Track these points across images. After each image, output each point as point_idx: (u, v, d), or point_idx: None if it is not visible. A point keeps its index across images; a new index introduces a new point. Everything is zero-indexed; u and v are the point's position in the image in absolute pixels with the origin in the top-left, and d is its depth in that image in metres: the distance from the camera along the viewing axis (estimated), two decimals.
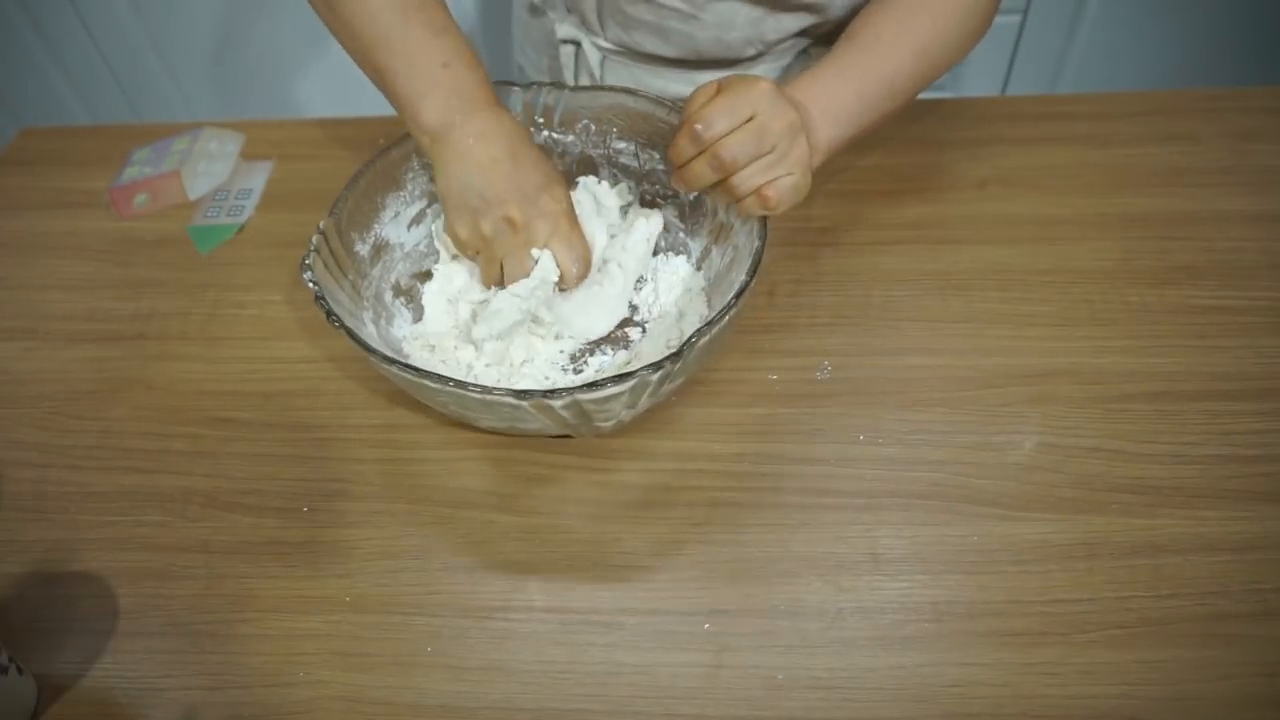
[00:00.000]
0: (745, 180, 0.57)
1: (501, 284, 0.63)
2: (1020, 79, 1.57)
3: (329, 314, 0.55)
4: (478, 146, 0.59)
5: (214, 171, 0.83)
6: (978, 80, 1.56)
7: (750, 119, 0.56)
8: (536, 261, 0.61)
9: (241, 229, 0.79)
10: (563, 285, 0.63)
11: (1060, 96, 0.91)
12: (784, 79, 0.83)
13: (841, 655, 0.52)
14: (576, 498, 0.59)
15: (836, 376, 0.64)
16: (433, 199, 0.69)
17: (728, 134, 0.56)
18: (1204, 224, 0.72)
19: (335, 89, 1.62)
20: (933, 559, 0.55)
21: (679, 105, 0.64)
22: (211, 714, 0.51)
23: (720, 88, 0.57)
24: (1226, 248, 0.70)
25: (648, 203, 0.70)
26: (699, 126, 0.56)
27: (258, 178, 0.83)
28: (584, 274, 0.63)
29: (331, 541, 0.58)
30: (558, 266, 0.62)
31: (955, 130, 0.81)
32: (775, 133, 0.56)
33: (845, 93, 0.62)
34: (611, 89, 0.68)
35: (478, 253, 0.64)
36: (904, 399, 0.62)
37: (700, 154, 0.57)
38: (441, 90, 0.59)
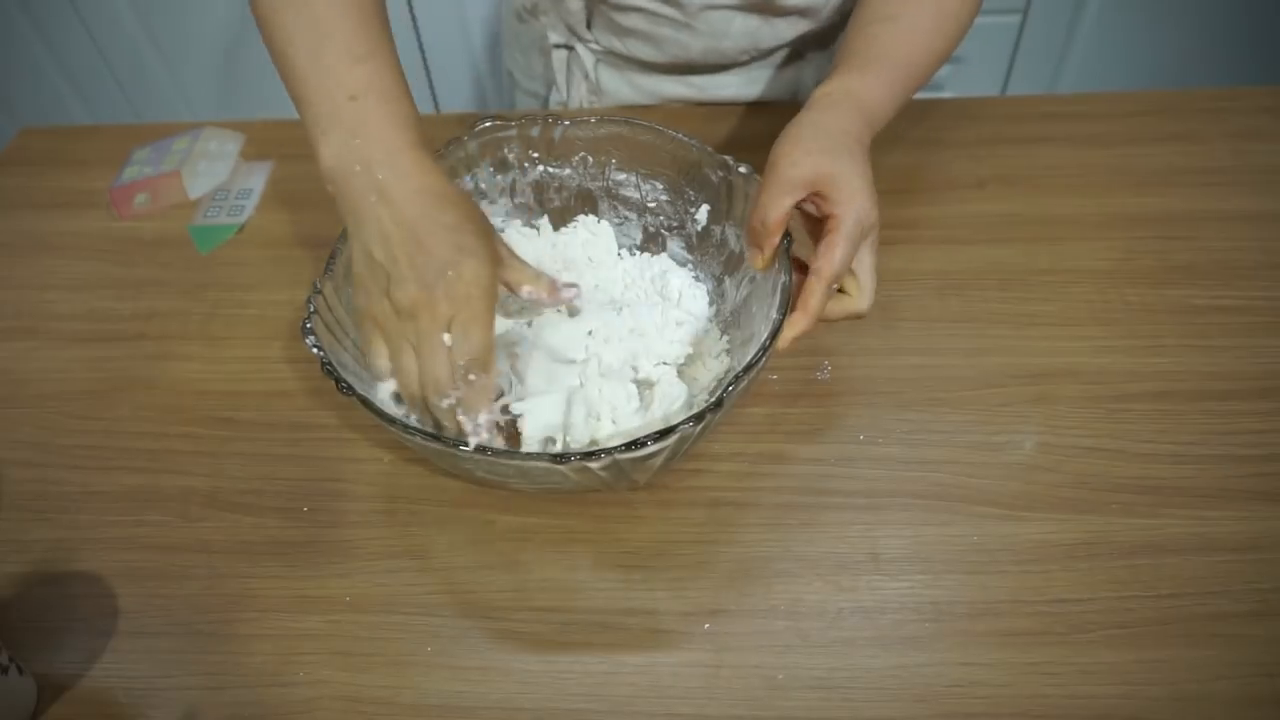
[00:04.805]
0: None
1: (414, 383, 0.52)
2: (1020, 79, 1.57)
3: (339, 382, 0.50)
4: (378, 206, 0.50)
5: (214, 171, 0.83)
6: (978, 80, 1.56)
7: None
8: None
9: (241, 229, 0.79)
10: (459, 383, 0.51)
11: (1060, 96, 0.91)
12: (779, 77, 0.83)
13: (841, 655, 0.52)
14: (576, 498, 0.59)
15: (836, 376, 0.64)
16: None
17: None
18: (1204, 224, 0.72)
19: None
20: (933, 559, 0.55)
21: (683, 135, 0.62)
22: (211, 714, 0.51)
23: (837, 229, 0.53)
24: (1226, 248, 0.70)
25: (650, 235, 0.68)
26: (831, 280, 0.53)
27: (258, 178, 0.83)
28: (477, 369, 0.50)
29: (331, 541, 0.58)
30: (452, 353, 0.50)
31: (955, 130, 0.81)
32: (872, 226, 0.55)
33: (887, 95, 0.60)
34: (611, 120, 0.65)
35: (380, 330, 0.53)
36: (904, 399, 0.62)
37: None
38: (342, 129, 0.51)
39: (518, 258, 0.56)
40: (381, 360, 0.53)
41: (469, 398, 0.51)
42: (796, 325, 0.53)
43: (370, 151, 0.50)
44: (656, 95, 0.85)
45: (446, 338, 0.50)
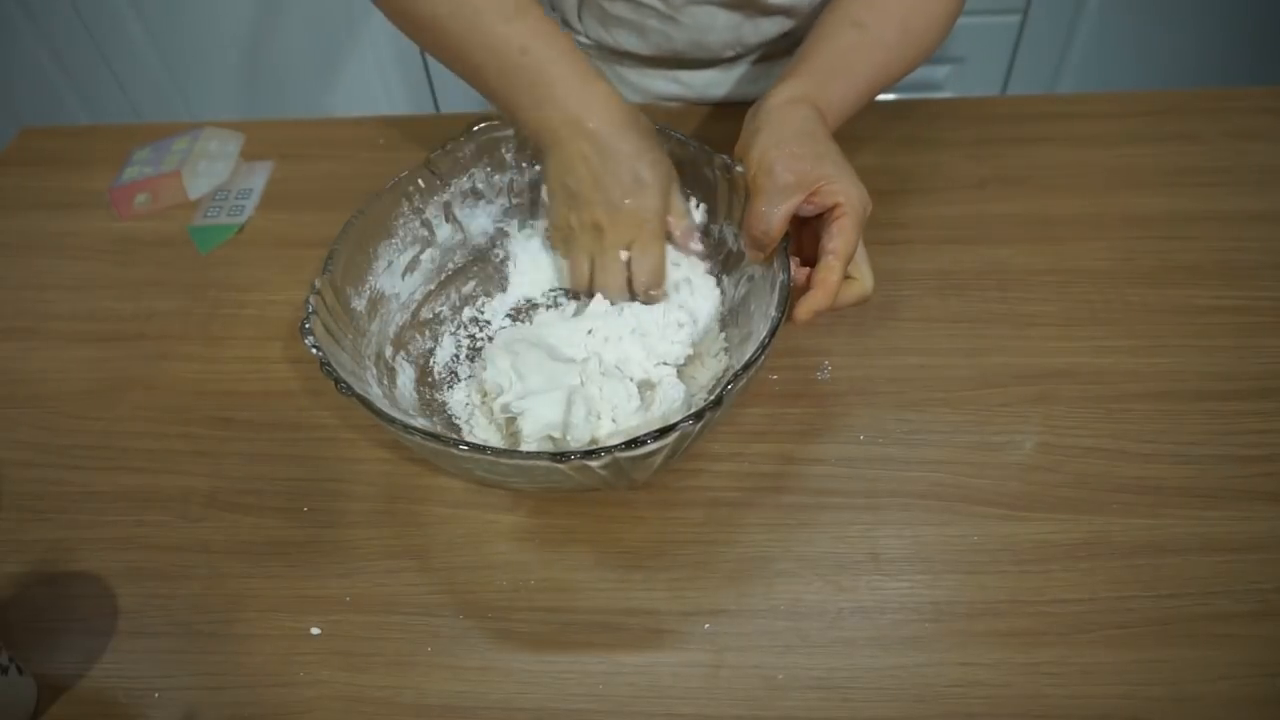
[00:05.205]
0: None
1: (589, 288, 0.62)
2: (1020, 79, 1.57)
3: (338, 382, 0.51)
4: (569, 137, 0.58)
5: (214, 171, 0.83)
6: (978, 80, 1.56)
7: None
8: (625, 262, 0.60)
9: (241, 229, 0.79)
10: (637, 294, 0.62)
11: (1060, 96, 0.91)
12: (770, 76, 0.83)
13: (841, 655, 0.52)
14: (576, 498, 0.59)
15: (836, 376, 0.64)
16: (425, 245, 0.65)
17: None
18: (1204, 224, 0.72)
19: (336, 89, 1.62)
20: (933, 559, 0.55)
21: (680, 134, 0.63)
22: (211, 714, 0.51)
23: (843, 228, 0.55)
24: (1227, 247, 0.70)
25: None
26: (847, 259, 0.55)
27: (258, 178, 0.83)
28: (653, 287, 0.61)
29: (331, 541, 0.58)
30: (630, 275, 0.61)
31: (955, 130, 0.81)
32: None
33: (847, 108, 0.63)
34: None
35: (568, 245, 0.63)
36: (904, 399, 0.62)
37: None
38: (525, 80, 0.58)
39: (677, 190, 0.62)
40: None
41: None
42: (817, 301, 0.55)
43: (555, 92, 0.58)
44: (645, 92, 0.85)
45: (623, 254, 0.60)
